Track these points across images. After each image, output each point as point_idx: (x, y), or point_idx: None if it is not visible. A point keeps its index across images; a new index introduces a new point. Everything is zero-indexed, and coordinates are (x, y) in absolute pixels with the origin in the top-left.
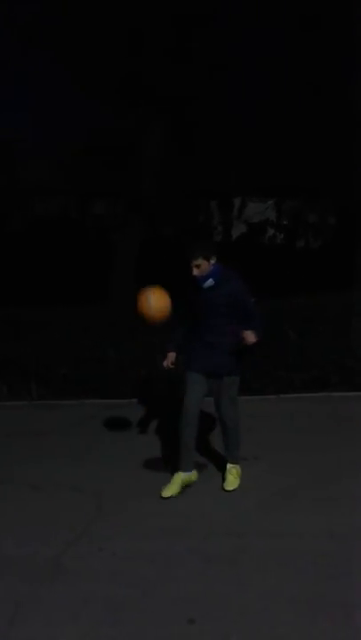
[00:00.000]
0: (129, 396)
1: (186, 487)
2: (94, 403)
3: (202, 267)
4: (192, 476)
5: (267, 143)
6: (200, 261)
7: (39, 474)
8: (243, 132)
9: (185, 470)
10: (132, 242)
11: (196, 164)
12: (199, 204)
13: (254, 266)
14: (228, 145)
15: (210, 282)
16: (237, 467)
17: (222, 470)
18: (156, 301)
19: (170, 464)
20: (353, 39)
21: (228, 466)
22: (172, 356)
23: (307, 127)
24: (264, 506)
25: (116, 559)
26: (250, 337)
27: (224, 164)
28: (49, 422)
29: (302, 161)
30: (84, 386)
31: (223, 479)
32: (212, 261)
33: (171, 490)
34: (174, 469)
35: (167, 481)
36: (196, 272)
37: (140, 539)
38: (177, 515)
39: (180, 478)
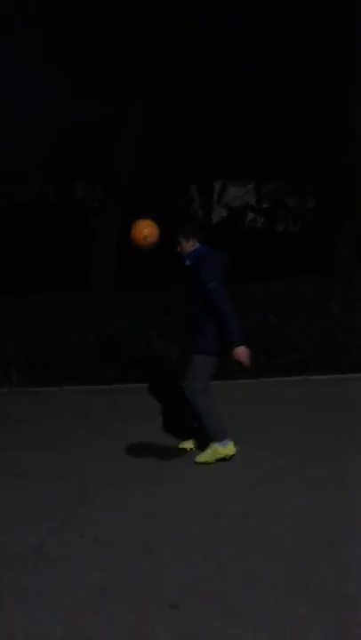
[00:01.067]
0: (110, 382)
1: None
2: (75, 389)
3: (181, 245)
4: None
5: (246, 127)
6: (180, 239)
7: (20, 461)
8: (222, 116)
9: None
10: (111, 227)
11: (175, 149)
12: (179, 187)
13: (235, 250)
14: (208, 129)
15: (187, 262)
16: (213, 444)
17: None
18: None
19: (152, 449)
20: (332, 23)
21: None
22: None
23: (286, 110)
24: (246, 488)
25: (99, 545)
26: (243, 357)
27: (204, 149)
28: (29, 409)
29: (282, 144)
30: (65, 372)
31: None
32: (193, 242)
33: (204, 457)
34: (159, 455)
35: (150, 466)
36: (178, 248)
37: (123, 524)
38: (160, 500)
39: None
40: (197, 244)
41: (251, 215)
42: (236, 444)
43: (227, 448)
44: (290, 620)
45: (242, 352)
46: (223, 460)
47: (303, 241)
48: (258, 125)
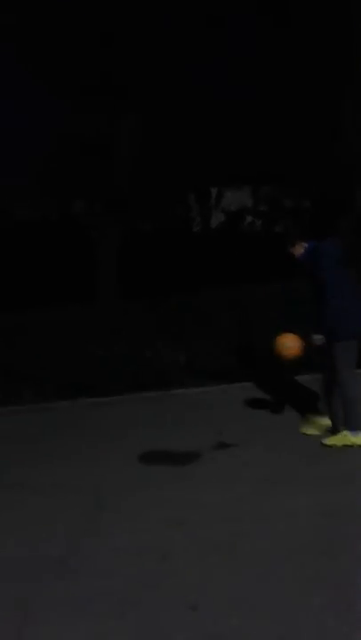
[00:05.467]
0: (120, 393)
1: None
2: (87, 402)
3: (295, 246)
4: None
5: (240, 131)
6: (294, 241)
7: (37, 475)
8: (215, 121)
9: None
10: (112, 240)
11: (170, 157)
12: (176, 196)
13: (235, 253)
14: (202, 136)
15: (304, 257)
16: (345, 431)
17: (219, 454)
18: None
19: (165, 457)
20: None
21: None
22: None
23: (279, 114)
24: (258, 489)
25: (119, 554)
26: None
27: (199, 155)
28: (44, 424)
29: (275, 147)
30: (75, 386)
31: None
32: (301, 245)
33: (333, 440)
34: (172, 461)
35: (164, 473)
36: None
37: (141, 532)
38: (174, 505)
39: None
40: (305, 244)
41: (249, 218)
42: (247, 444)
43: (358, 437)
44: (305, 612)
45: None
46: (350, 447)
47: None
48: (252, 129)
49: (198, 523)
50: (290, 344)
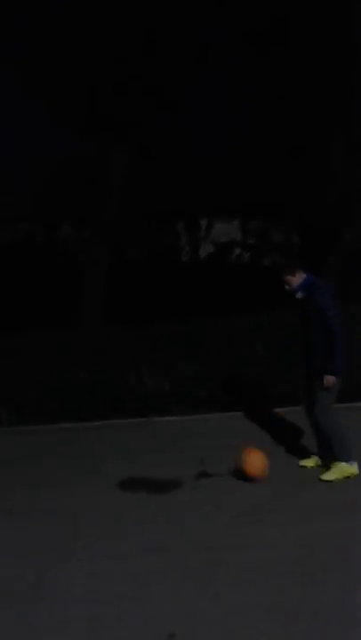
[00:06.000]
0: (102, 418)
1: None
2: (67, 426)
3: (290, 281)
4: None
5: (230, 165)
6: (287, 277)
7: (15, 499)
8: (205, 155)
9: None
10: (99, 266)
11: (160, 187)
12: (166, 225)
13: (223, 283)
14: (192, 168)
15: (299, 294)
16: (338, 463)
17: (200, 483)
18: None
19: (145, 484)
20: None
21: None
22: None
23: (268, 147)
24: (239, 519)
25: (95, 579)
26: (330, 384)
27: (189, 187)
28: (23, 447)
29: (265, 181)
30: (56, 410)
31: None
32: (299, 275)
33: (333, 474)
34: (152, 489)
35: (144, 500)
36: (286, 286)
37: (118, 558)
38: (154, 532)
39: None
40: (304, 275)
41: (237, 250)
42: (229, 474)
43: (353, 467)
44: None
45: (331, 380)
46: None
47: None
48: (242, 163)
49: (178, 551)
50: (256, 464)
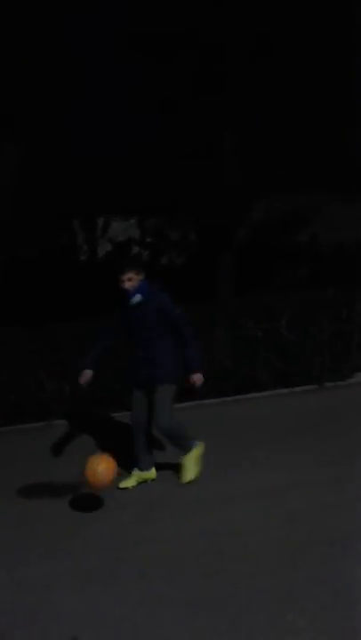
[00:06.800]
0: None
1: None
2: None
3: (133, 279)
4: (150, 474)
5: (125, 164)
6: (131, 275)
7: None
8: (100, 154)
9: (142, 469)
10: None
11: (56, 186)
12: (62, 224)
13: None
14: (87, 167)
15: (137, 297)
16: (189, 454)
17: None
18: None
19: (39, 490)
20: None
21: (183, 459)
22: (86, 373)
23: (165, 148)
24: (140, 515)
25: None
26: (199, 381)
27: (85, 186)
28: None
29: (161, 180)
30: None
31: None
32: (141, 276)
33: (128, 482)
34: (52, 495)
35: (39, 506)
36: (126, 284)
37: (17, 565)
38: (54, 537)
39: (137, 474)
40: (143, 279)
41: (135, 248)
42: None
43: (198, 448)
44: (187, 632)
45: (199, 377)
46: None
47: (187, 272)
48: (139, 162)
49: (79, 552)
50: (104, 470)
